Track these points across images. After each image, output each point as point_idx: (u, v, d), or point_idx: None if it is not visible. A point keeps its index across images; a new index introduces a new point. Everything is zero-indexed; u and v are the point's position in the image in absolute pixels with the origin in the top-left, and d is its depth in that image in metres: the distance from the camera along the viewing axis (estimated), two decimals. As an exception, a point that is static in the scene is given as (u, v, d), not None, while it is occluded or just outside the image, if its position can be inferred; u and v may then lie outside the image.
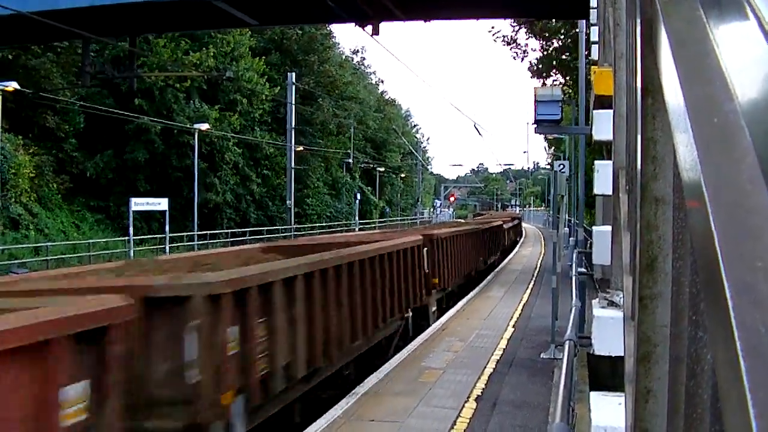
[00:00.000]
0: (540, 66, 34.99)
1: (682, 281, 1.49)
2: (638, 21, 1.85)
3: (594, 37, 13.04)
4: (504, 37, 35.13)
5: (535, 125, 21.89)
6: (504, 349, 13.59)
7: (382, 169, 75.78)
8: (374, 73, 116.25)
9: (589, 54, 19.79)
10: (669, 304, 1.73)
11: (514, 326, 16.06)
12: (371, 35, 22.42)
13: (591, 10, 13.90)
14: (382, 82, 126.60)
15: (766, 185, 0.64)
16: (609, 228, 6.59)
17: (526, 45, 34.98)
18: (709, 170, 0.73)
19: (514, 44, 34.94)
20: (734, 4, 0.81)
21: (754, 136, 0.67)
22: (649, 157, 1.88)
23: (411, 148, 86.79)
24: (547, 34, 34.30)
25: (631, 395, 2.22)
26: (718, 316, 0.65)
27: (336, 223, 58.97)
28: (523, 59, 35.57)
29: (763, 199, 0.63)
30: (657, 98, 1.72)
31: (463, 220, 52.31)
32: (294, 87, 49.91)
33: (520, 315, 17.74)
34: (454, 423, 8.95)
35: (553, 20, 32.30)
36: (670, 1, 1.14)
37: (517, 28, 34.45)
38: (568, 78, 33.80)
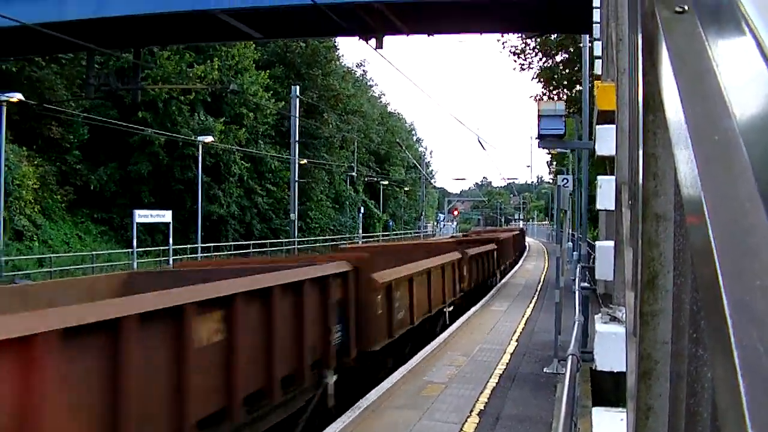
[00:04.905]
0: (547, 77, 35.29)
1: (682, 298, 1.48)
2: (640, 36, 1.85)
3: (597, 51, 13.08)
4: (513, 48, 35.43)
5: (539, 140, 21.93)
6: (507, 363, 13.54)
7: (386, 183, 75.80)
8: (377, 85, 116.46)
9: (592, 68, 19.85)
10: (670, 321, 1.72)
11: (517, 341, 16.02)
12: (375, 49, 22.53)
13: (594, 25, 13.95)
14: (384, 95, 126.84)
15: (763, 204, 0.64)
16: (612, 243, 6.57)
17: (533, 52, 35.28)
18: (708, 187, 0.73)
19: (522, 54, 35.20)
20: (732, 22, 0.81)
21: (750, 154, 0.67)
22: (650, 173, 1.88)
23: (414, 161, 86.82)
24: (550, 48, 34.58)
25: (632, 411, 2.21)
26: (717, 334, 0.64)
27: (339, 236, 58.90)
28: (530, 68, 35.88)
29: (761, 218, 0.63)
30: (658, 114, 1.72)
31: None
32: (298, 100, 50.03)
33: (523, 329, 17.69)
34: (456, 438, 8.91)
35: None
36: (671, 17, 1.14)
37: (524, 39, 34.77)
38: (571, 92, 34.00)
